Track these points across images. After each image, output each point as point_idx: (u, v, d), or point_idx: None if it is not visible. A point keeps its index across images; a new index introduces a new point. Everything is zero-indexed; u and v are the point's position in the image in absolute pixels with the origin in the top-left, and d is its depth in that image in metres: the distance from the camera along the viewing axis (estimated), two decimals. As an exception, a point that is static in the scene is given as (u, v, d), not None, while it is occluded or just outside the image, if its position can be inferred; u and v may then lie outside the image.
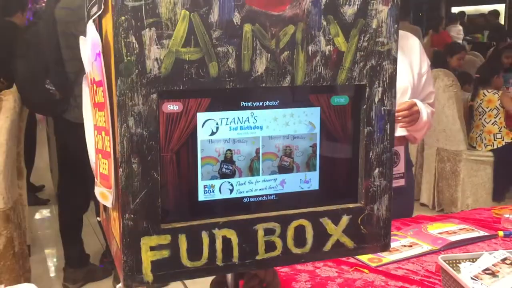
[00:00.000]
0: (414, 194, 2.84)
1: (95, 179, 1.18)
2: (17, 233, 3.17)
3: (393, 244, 2.14)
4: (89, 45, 1.10)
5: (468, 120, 5.38)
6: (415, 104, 2.20)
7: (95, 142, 1.16)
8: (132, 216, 1.04)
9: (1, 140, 2.91)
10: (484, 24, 12.29)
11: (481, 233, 2.26)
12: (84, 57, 1.16)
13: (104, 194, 1.10)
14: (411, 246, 2.11)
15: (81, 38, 1.15)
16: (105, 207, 1.28)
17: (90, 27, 1.07)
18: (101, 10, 1.04)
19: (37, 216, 5.06)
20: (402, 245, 2.13)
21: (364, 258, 1.99)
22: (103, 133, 1.09)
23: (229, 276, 1.32)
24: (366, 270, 1.91)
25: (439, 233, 2.22)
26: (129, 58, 0.99)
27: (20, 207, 3.36)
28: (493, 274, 1.68)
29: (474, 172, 5.20)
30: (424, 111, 2.22)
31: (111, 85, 1.02)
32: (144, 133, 1.02)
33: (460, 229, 2.27)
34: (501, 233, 2.26)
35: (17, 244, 3.12)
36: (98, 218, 1.45)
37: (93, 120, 1.16)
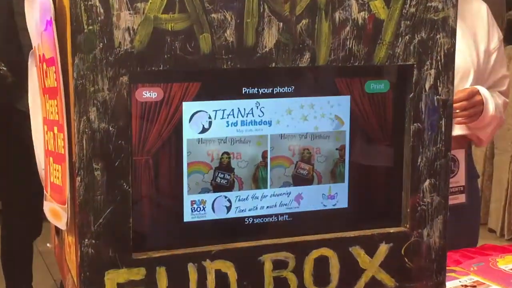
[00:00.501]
0: (479, 215, 2.81)
1: (45, 192, 1.19)
2: None
3: (449, 284, 2.13)
4: (37, 9, 1.10)
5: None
6: (477, 92, 2.18)
7: (45, 141, 1.16)
8: (94, 241, 1.04)
9: None
10: None
11: None
12: (30, 26, 1.16)
13: (56, 212, 1.10)
14: (474, 286, 2.10)
15: (26, 0, 1.15)
16: (57, 229, 1.28)
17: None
18: (54, -38, 1.05)
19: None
20: (462, 285, 2.12)
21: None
22: (55, 128, 1.09)
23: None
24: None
25: (513, 269, 2.20)
26: (90, 27, 0.99)
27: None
28: None
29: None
30: (491, 101, 2.20)
31: (66, 64, 1.02)
32: (110, 129, 1.02)
33: (542, 264, 2.25)
34: None
35: None
36: (48, 245, 1.45)
37: (43, 112, 1.16)
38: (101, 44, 1.00)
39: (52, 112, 1.10)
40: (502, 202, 5.55)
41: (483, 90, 2.25)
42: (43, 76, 1.13)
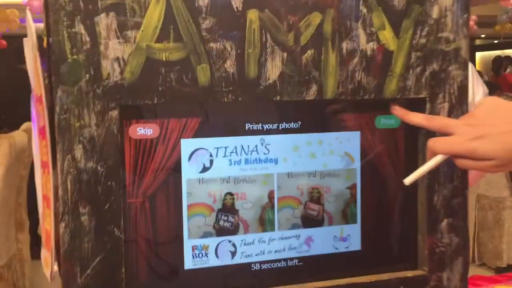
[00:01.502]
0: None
1: (42, 236, 0.84)
2: (12, 293, 2.83)
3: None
4: (29, 47, 0.77)
5: None
6: None
7: (41, 185, 0.82)
8: (81, 295, 0.68)
9: (-7, 189, 2.61)
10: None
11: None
12: (29, 66, 0.84)
13: (46, 259, 0.75)
14: (471, 315, 1.69)
15: (25, 40, 0.83)
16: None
17: (28, 18, 0.74)
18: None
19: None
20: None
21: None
22: (46, 171, 0.75)
23: None
24: None
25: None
26: (75, 57, 0.66)
27: (17, 264, 3.03)
28: None
29: (521, 221, 4.70)
30: None
31: (52, 99, 0.69)
32: (99, 168, 0.68)
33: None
34: None
35: (11, 306, 2.78)
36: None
37: (40, 154, 0.83)
38: (87, 75, 0.67)
39: (44, 153, 0.76)
40: (471, 235, 5.11)
41: None
42: (37, 117, 0.80)
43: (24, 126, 3.32)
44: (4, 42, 7.40)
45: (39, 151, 0.81)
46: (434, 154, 0.74)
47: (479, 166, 0.72)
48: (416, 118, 0.78)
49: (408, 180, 0.75)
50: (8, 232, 2.88)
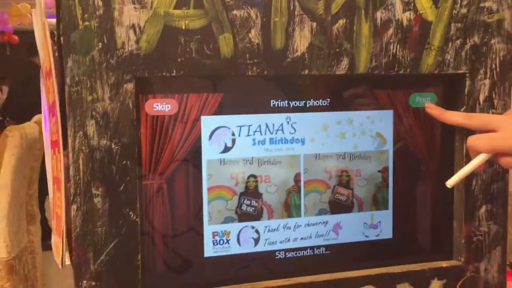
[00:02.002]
0: None
1: (52, 222, 0.78)
2: (23, 285, 2.78)
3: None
4: (37, 17, 0.71)
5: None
6: None
7: (52, 167, 0.76)
8: (94, 283, 0.62)
9: (4, 181, 2.56)
10: None
11: None
12: (37, 37, 0.78)
13: (56, 245, 0.70)
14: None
15: (33, 11, 0.77)
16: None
17: (36, -16, 0.69)
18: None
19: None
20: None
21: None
22: (56, 150, 0.69)
23: None
24: None
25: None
26: (86, 23, 0.60)
27: (28, 256, 2.99)
28: None
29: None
30: None
31: (62, 70, 0.63)
32: (113, 146, 0.62)
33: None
34: None
35: (22, 298, 2.74)
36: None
37: (49, 133, 0.77)
38: (100, 44, 0.61)
39: (54, 132, 0.71)
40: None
41: None
42: (47, 93, 0.74)
43: (36, 118, 3.27)
44: (16, 37, 7.39)
45: (49, 130, 0.76)
46: (477, 152, 0.67)
47: None
48: (454, 117, 0.71)
49: (450, 182, 0.68)
50: (20, 224, 2.83)
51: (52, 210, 0.76)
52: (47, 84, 0.72)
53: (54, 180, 0.73)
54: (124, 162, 0.62)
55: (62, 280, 4.38)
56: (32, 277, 3.06)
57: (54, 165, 0.73)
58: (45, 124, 0.80)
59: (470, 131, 0.71)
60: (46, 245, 3.75)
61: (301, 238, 0.73)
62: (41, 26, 0.66)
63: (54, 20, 0.65)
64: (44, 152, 0.84)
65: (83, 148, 0.61)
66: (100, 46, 0.61)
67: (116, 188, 0.62)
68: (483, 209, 0.76)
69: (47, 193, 0.80)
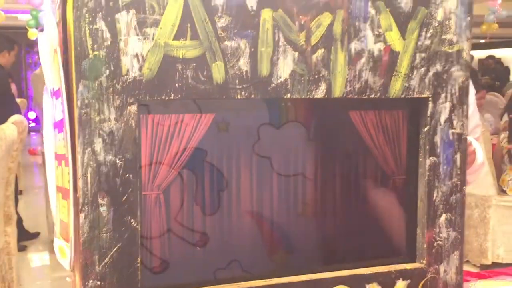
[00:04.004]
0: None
1: (55, 229, 0.86)
2: (0, 286, 2.82)
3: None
4: (46, 42, 0.80)
5: (499, 163, 5.00)
6: (469, 144, 1.88)
7: (56, 177, 0.85)
8: (99, 283, 0.71)
9: (-16, 181, 2.61)
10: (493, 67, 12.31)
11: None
12: (42, 61, 0.86)
13: (62, 250, 0.78)
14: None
15: (39, 34, 0.85)
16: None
17: (46, 13, 0.77)
18: (60, -14, 0.75)
19: (32, 264, 4.72)
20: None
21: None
22: (62, 163, 0.78)
23: None
24: None
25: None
26: (96, 52, 0.69)
27: (5, 257, 3.02)
28: None
29: (506, 219, 4.79)
30: (480, 150, 1.90)
31: (71, 94, 0.72)
32: (117, 161, 0.71)
33: (516, 288, 1.90)
34: None
35: (-1, 299, 2.78)
36: (68, 279, 1.12)
37: (54, 147, 0.85)
38: (107, 71, 0.70)
39: (60, 146, 0.79)
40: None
41: (472, 140, 1.95)
42: (53, 110, 0.82)
43: (13, 118, 3.30)
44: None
45: (53, 144, 0.84)
46: None
47: None
48: None
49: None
50: (-3, 225, 2.87)
51: (57, 216, 0.84)
52: (54, 102, 0.80)
53: (59, 189, 0.82)
54: (127, 176, 0.71)
55: (34, 281, 4.42)
56: (9, 278, 3.10)
57: (58, 176, 0.81)
58: (49, 137, 0.88)
59: (433, 149, 0.83)
60: (19, 246, 3.77)
61: (282, 243, 0.83)
62: (52, 52, 0.75)
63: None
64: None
65: (91, 163, 0.70)
66: (107, 73, 0.70)
67: (119, 198, 0.71)
68: (443, 218, 0.87)
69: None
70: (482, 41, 11.86)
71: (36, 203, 5.57)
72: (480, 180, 4.82)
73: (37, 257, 4.99)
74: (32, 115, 10.31)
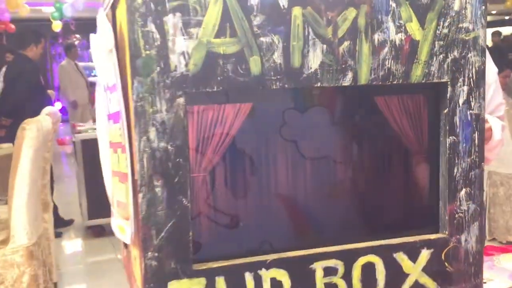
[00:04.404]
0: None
1: (112, 209, 0.97)
2: (42, 270, 2.98)
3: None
4: (100, 42, 0.90)
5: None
6: (486, 121, 1.93)
7: (110, 163, 0.95)
8: (157, 254, 0.81)
9: (23, 171, 2.75)
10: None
11: None
12: (95, 59, 0.96)
13: (121, 227, 0.88)
14: (485, 283, 1.82)
15: (92, 36, 0.95)
16: (125, 243, 1.06)
17: (101, 18, 0.87)
18: (114, -6, 0.85)
19: (67, 251, 4.92)
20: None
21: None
22: (118, 150, 0.88)
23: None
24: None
25: (516, 266, 1.92)
26: (148, 52, 0.78)
27: (45, 242, 3.18)
28: None
29: (531, 196, 4.81)
30: (497, 127, 1.95)
31: (126, 88, 0.82)
32: (169, 147, 0.81)
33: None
34: None
35: (41, 282, 2.93)
36: (119, 256, 1.23)
37: (108, 136, 0.96)
38: (158, 68, 0.79)
39: (116, 135, 0.89)
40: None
41: (490, 118, 2.00)
42: (108, 103, 0.92)
43: (47, 110, 3.45)
44: (13, 26, 7.49)
45: (108, 133, 0.94)
46: None
47: None
48: None
49: None
50: (37, 212, 3.02)
51: (113, 198, 0.94)
52: (109, 96, 0.90)
53: (115, 174, 0.92)
54: (177, 160, 0.81)
55: (70, 265, 4.60)
56: (49, 262, 3.26)
57: (114, 161, 0.91)
58: (103, 127, 0.98)
59: (452, 129, 0.91)
60: (55, 233, 3.94)
61: (315, 218, 0.92)
62: (108, 51, 0.84)
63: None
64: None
65: (147, 149, 0.80)
66: (158, 70, 0.79)
67: (171, 180, 0.81)
68: (463, 192, 0.95)
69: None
70: (507, 17, 11.67)
71: (67, 191, 5.76)
72: (506, 159, 4.83)
73: (71, 243, 5.19)
74: (58, 105, 10.54)
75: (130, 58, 0.78)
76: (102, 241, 5.54)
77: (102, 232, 5.92)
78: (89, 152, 5.69)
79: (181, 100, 0.80)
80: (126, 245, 1.09)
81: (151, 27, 0.78)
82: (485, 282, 1.81)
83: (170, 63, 0.79)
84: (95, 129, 6.37)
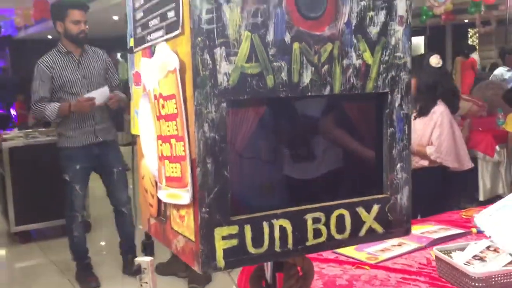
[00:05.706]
0: None
1: (159, 184, 1.34)
2: None
3: (383, 245, 2.37)
4: (156, 65, 1.27)
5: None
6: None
7: (158, 151, 1.32)
8: (208, 209, 1.21)
9: None
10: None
11: (457, 231, 2.54)
12: (145, 76, 1.33)
13: (175, 194, 1.26)
14: (400, 245, 2.35)
15: (143, 60, 1.32)
16: (159, 212, 1.43)
17: (163, 48, 1.24)
18: (178, 32, 1.22)
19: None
20: (392, 245, 2.37)
21: (362, 257, 2.21)
22: (172, 140, 1.26)
23: (268, 269, 1.50)
24: (367, 267, 2.12)
25: (422, 233, 2.48)
26: (204, 72, 1.18)
27: None
28: (482, 259, 1.94)
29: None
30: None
31: (185, 97, 1.20)
32: (216, 137, 1.20)
33: (439, 229, 2.54)
34: (474, 230, 2.55)
35: None
36: (140, 227, 1.59)
37: (156, 131, 1.32)
38: (210, 83, 1.18)
39: (169, 130, 1.27)
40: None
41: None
42: (159, 108, 1.30)
43: None
44: None
45: (158, 130, 1.31)
46: None
47: None
48: None
49: None
50: None
51: (161, 175, 1.31)
52: (158, 103, 1.28)
53: (163, 158, 1.29)
54: (221, 145, 1.21)
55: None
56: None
57: (165, 149, 1.29)
58: (147, 127, 1.34)
59: (391, 123, 1.38)
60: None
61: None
62: (166, 72, 1.22)
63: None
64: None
65: (202, 138, 1.19)
66: (210, 84, 1.18)
67: (218, 159, 1.21)
68: (398, 166, 1.43)
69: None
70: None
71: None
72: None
73: None
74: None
75: (193, 76, 1.17)
76: (29, 246, 5.65)
77: (29, 237, 6.03)
78: (16, 159, 5.76)
79: (224, 104, 1.20)
80: (159, 215, 1.46)
81: (206, 56, 1.17)
82: (399, 245, 2.34)
83: (217, 80, 1.19)
84: (21, 136, 6.39)
